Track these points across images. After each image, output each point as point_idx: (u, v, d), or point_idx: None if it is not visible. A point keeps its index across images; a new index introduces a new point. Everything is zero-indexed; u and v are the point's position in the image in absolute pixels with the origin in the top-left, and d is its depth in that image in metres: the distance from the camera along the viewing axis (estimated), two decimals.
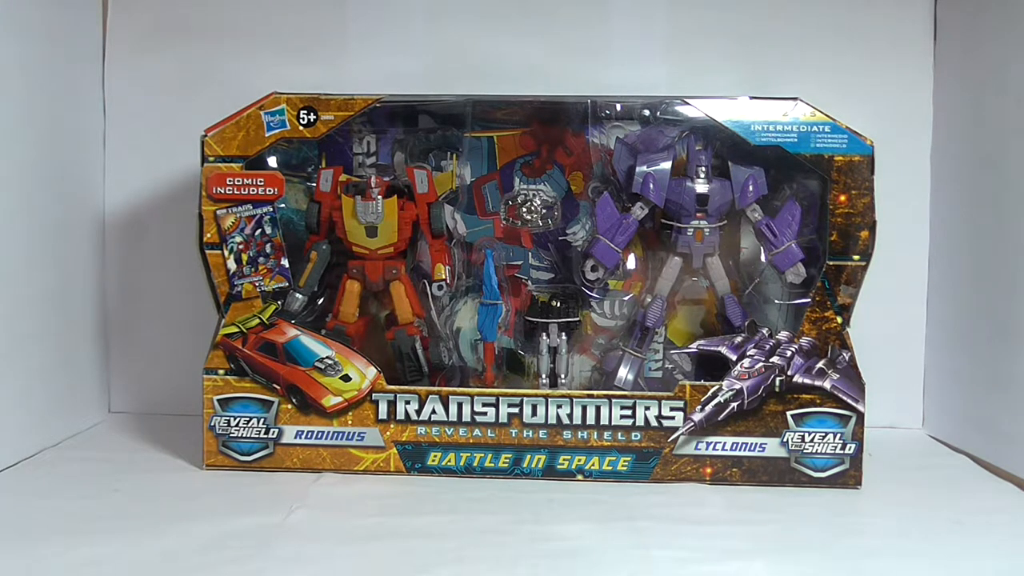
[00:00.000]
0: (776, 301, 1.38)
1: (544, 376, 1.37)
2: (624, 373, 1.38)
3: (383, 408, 1.30)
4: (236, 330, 1.32)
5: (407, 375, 1.37)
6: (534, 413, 1.29)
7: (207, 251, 1.31)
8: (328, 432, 1.30)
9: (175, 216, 1.53)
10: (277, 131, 1.31)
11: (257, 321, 1.32)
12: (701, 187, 1.33)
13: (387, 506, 1.19)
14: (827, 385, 1.27)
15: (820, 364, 1.28)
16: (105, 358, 1.59)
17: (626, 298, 1.43)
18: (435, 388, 1.31)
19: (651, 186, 1.33)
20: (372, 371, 1.31)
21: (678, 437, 1.27)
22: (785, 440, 1.28)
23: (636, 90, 1.47)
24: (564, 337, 1.38)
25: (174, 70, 1.58)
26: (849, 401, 1.27)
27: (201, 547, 1.05)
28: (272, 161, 1.34)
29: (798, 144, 1.28)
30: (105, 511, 1.16)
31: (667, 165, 1.34)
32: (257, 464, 1.31)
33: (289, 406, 1.30)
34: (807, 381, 1.27)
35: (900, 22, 1.56)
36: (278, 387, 1.31)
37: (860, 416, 1.28)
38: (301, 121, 1.31)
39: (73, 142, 1.50)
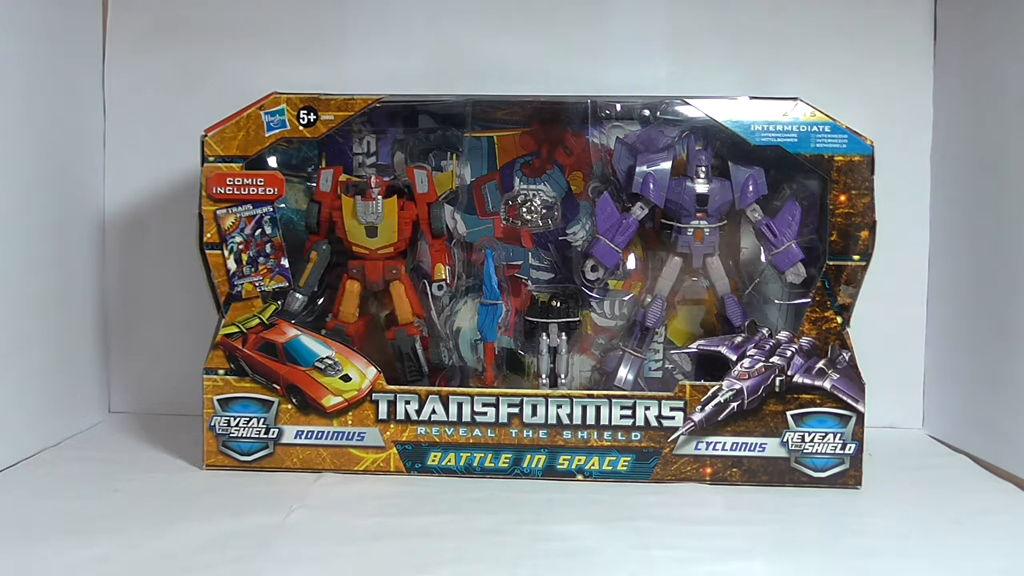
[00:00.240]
0: (776, 301, 1.38)
1: (544, 376, 1.37)
2: (624, 373, 1.38)
3: (383, 408, 1.30)
4: (236, 330, 1.32)
5: (407, 375, 1.37)
6: (534, 413, 1.29)
7: (207, 251, 1.31)
8: (328, 432, 1.30)
9: (175, 216, 1.53)
10: (277, 131, 1.31)
11: (257, 321, 1.32)
12: (701, 187, 1.33)
13: (387, 506, 1.19)
14: (827, 385, 1.27)
15: (820, 364, 1.28)
16: (105, 358, 1.59)
17: (626, 298, 1.43)
18: (435, 388, 1.31)
19: (651, 186, 1.33)
20: (372, 371, 1.31)
21: (678, 437, 1.27)
22: (785, 440, 1.28)
23: (636, 90, 1.48)
24: (564, 337, 1.38)
25: (174, 70, 1.58)
26: (849, 401, 1.27)
27: (201, 547, 1.05)
28: (272, 161, 1.34)
29: (798, 144, 1.28)
30: (105, 511, 1.16)
31: (667, 165, 1.34)
32: (257, 464, 1.31)
33: (289, 406, 1.30)
34: (807, 381, 1.27)
35: (900, 22, 1.56)
36: (278, 387, 1.30)
37: (860, 416, 1.28)
38: (301, 121, 1.31)
39: (73, 142, 1.50)
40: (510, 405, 1.29)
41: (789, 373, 1.27)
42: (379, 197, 1.32)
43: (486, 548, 1.06)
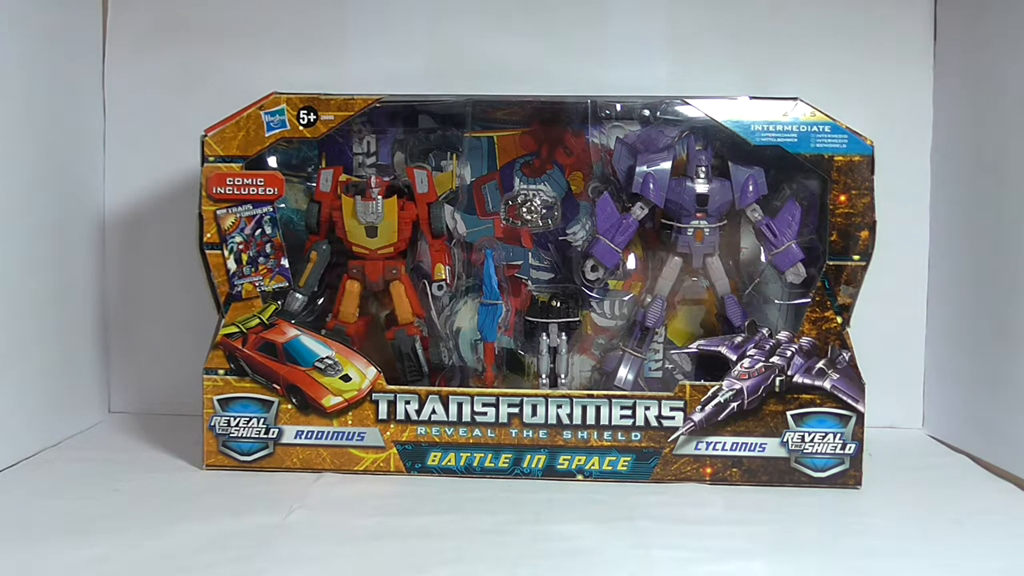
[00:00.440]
0: (776, 301, 1.38)
1: (544, 376, 1.37)
2: (624, 373, 1.38)
3: (383, 408, 1.30)
4: (236, 330, 1.32)
5: (407, 375, 1.37)
6: (534, 413, 1.29)
7: (207, 251, 1.31)
8: (328, 432, 1.30)
9: (175, 216, 1.53)
10: (277, 131, 1.31)
11: (257, 321, 1.32)
12: (701, 187, 1.33)
13: (387, 506, 1.19)
14: (827, 385, 1.27)
15: (820, 364, 1.28)
16: (105, 358, 1.59)
17: (626, 298, 1.43)
18: (435, 388, 1.31)
19: (651, 186, 1.33)
20: (372, 371, 1.31)
21: (678, 437, 1.27)
22: (785, 440, 1.28)
23: (636, 90, 1.47)
24: (564, 337, 1.38)
25: (174, 70, 1.58)
26: (849, 401, 1.27)
27: (201, 547, 1.05)
28: (272, 161, 1.34)
29: (798, 144, 1.28)
30: (105, 511, 1.16)
31: (667, 165, 1.34)
32: (257, 464, 1.31)
33: (289, 406, 1.30)
34: (807, 381, 1.27)
35: (900, 22, 1.56)
36: (278, 387, 1.30)
37: (860, 416, 1.27)
38: (301, 121, 1.31)
39: (73, 142, 1.50)
40: (510, 405, 1.29)
41: (789, 373, 1.27)
42: (379, 197, 1.32)
43: (486, 548, 1.06)
